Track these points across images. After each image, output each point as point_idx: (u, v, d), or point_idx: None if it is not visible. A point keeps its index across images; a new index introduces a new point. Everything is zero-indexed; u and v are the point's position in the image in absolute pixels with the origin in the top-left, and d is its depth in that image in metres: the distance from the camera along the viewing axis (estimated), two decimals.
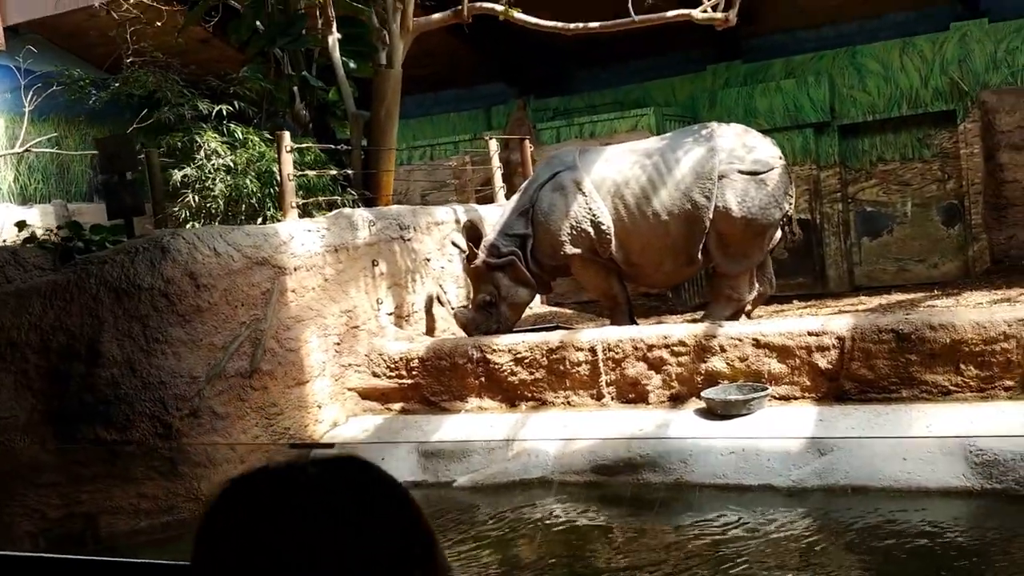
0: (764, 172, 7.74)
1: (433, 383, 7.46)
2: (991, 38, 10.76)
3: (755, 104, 11.94)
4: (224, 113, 9.75)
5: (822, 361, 6.49)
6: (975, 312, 6.18)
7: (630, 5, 8.04)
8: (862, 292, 10.70)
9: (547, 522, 5.80)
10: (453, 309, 8.37)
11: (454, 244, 8.53)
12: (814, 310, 8.93)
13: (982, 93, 10.70)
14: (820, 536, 5.25)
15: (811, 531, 5.34)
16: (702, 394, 6.61)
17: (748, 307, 8.25)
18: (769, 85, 11.91)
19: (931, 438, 5.64)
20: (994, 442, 5.37)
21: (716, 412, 6.52)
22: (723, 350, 6.84)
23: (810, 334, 6.56)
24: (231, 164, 9.18)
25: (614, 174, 8.05)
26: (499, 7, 8.67)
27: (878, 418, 6.03)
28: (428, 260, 8.79)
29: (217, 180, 9.12)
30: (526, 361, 7.27)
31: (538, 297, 9.63)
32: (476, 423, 6.98)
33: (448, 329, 8.51)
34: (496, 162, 10.48)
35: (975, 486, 5.31)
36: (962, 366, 6.01)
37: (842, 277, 11.64)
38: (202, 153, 9.22)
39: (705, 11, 8.21)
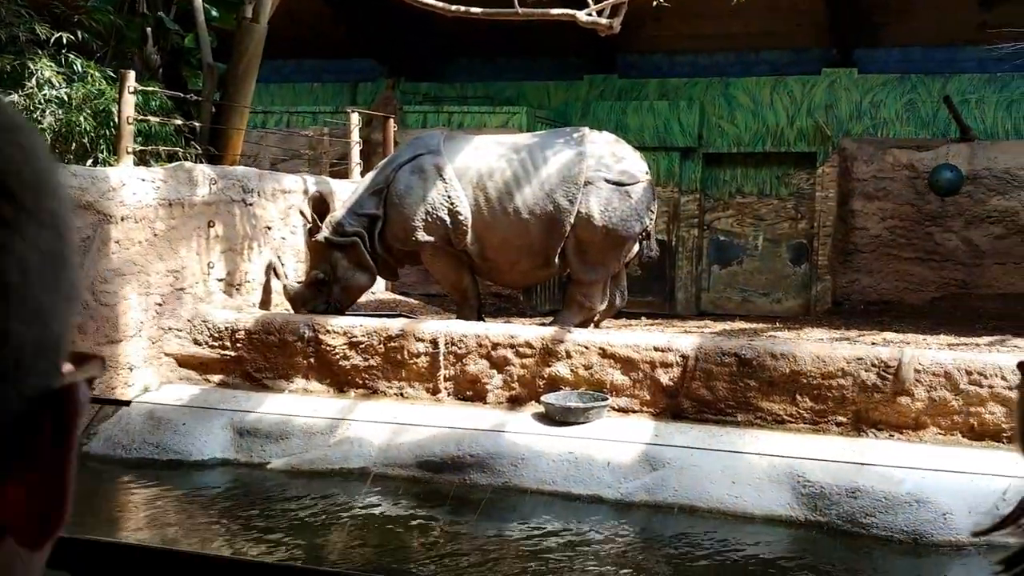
0: (630, 184, 7.74)
1: (258, 358, 7.04)
2: (859, 88, 11.26)
3: (627, 120, 12.06)
4: (64, 42, 8.97)
5: (664, 377, 6.51)
6: (816, 346, 6.34)
7: None
8: (708, 317, 10.94)
9: (361, 514, 5.51)
10: (286, 282, 7.96)
11: (301, 214, 8.12)
12: (662, 328, 9.03)
13: (844, 140, 11.17)
14: (637, 551, 5.21)
15: (630, 545, 5.29)
16: (542, 399, 6.52)
17: (598, 317, 8.24)
18: (643, 104, 12.06)
19: (763, 460, 5.71)
20: (821, 474, 5.48)
21: (554, 418, 6.44)
22: (569, 356, 6.77)
23: (656, 349, 6.57)
24: (65, 97, 8.43)
25: (479, 164, 7.86)
26: None
27: (712, 439, 6.08)
28: (269, 229, 8.34)
29: (47, 113, 8.35)
30: (362, 346, 6.98)
31: (383, 283, 9.32)
32: (300, 405, 6.61)
33: (282, 304, 8.09)
34: (356, 137, 10.11)
35: (800, 516, 5.40)
36: (799, 397, 6.13)
37: (690, 301, 11.90)
38: (33, 81, 8.43)
39: (590, 15, 8.15)
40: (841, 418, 6.05)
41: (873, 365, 5.95)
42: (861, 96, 11.25)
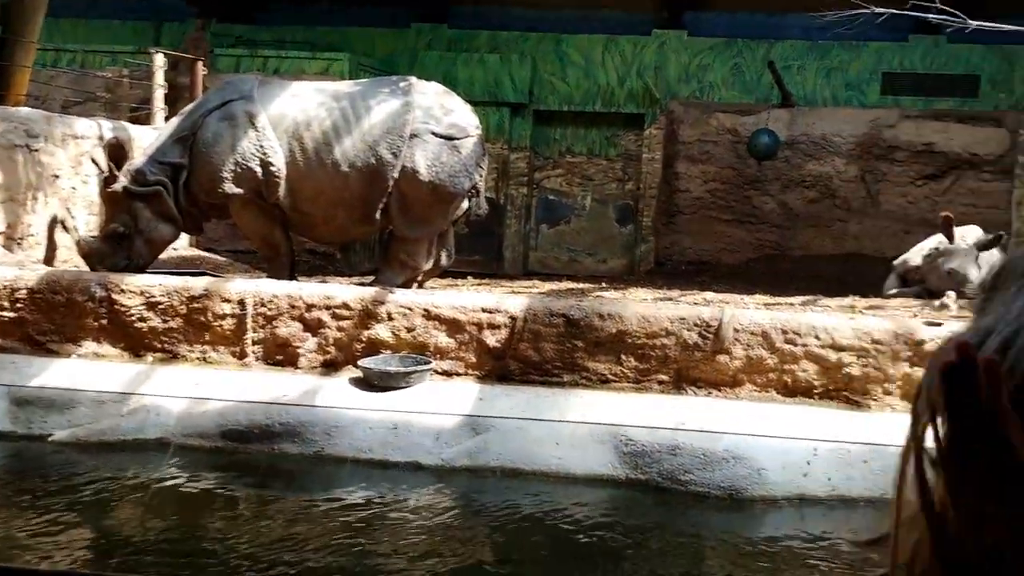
0: (460, 138, 7.54)
1: (42, 320, 6.42)
2: (687, 51, 11.48)
3: (456, 73, 11.83)
4: None
5: (491, 339, 6.40)
6: (642, 306, 6.40)
7: None
8: (535, 277, 10.98)
9: (156, 488, 5.13)
10: (78, 237, 7.32)
11: (93, 162, 7.47)
12: (489, 288, 8.94)
13: (671, 103, 11.38)
14: (455, 517, 5.10)
15: (447, 511, 5.18)
16: (359, 363, 6.27)
17: (422, 277, 8.04)
18: (473, 56, 11.87)
19: (587, 420, 5.71)
20: (643, 434, 5.53)
21: (373, 383, 6.22)
22: (390, 318, 6.54)
23: (484, 310, 6.44)
24: None
25: (296, 112, 7.46)
26: None
27: (538, 400, 6.03)
28: (57, 177, 7.64)
29: None
30: (161, 307, 6.49)
31: (186, 238, 8.76)
32: (89, 371, 6.08)
33: (71, 260, 7.44)
34: (160, 80, 9.42)
35: (622, 475, 5.43)
36: (624, 357, 6.17)
37: (517, 260, 11.90)
38: None
39: None
40: (663, 376, 6.13)
41: (695, 325, 6.05)
42: (689, 59, 11.49)
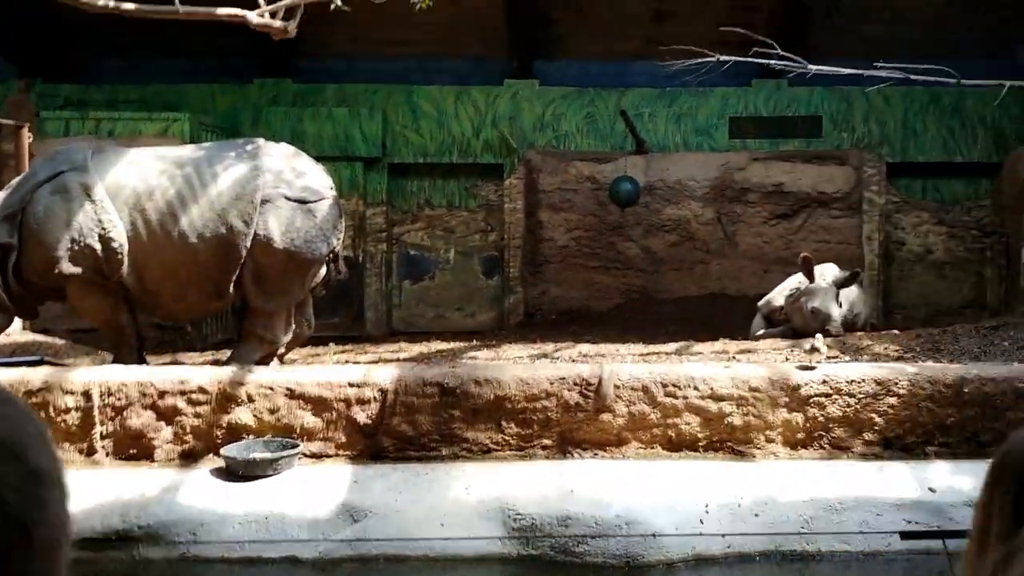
0: (314, 201, 7.27)
1: None
2: (540, 100, 11.59)
3: (304, 128, 11.56)
4: None
5: (361, 415, 6.13)
6: (519, 368, 6.27)
7: None
8: (401, 336, 10.74)
9: None
10: None
11: None
12: (354, 355, 8.64)
13: (528, 152, 11.44)
14: None
15: None
16: (221, 451, 5.89)
17: (282, 350, 7.69)
18: (320, 110, 11.62)
19: (471, 496, 5.51)
20: (532, 506, 5.37)
21: (238, 472, 5.83)
22: (251, 400, 6.19)
23: (351, 385, 6.17)
24: None
25: (136, 181, 7.02)
26: None
27: (417, 478, 5.79)
28: None
29: None
30: None
31: (19, 321, 8.11)
32: None
33: None
34: None
35: (512, 552, 5.25)
36: (504, 423, 6.02)
37: (381, 319, 11.63)
38: None
39: (263, 15, 7.58)
40: (547, 441, 6.01)
41: (575, 384, 5.97)
42: (543, 108, 11.59)
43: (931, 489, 5.22)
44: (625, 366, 6.15)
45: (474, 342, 9.35)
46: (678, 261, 11.24)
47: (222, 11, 7.56)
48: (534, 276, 11.59)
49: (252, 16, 7.45)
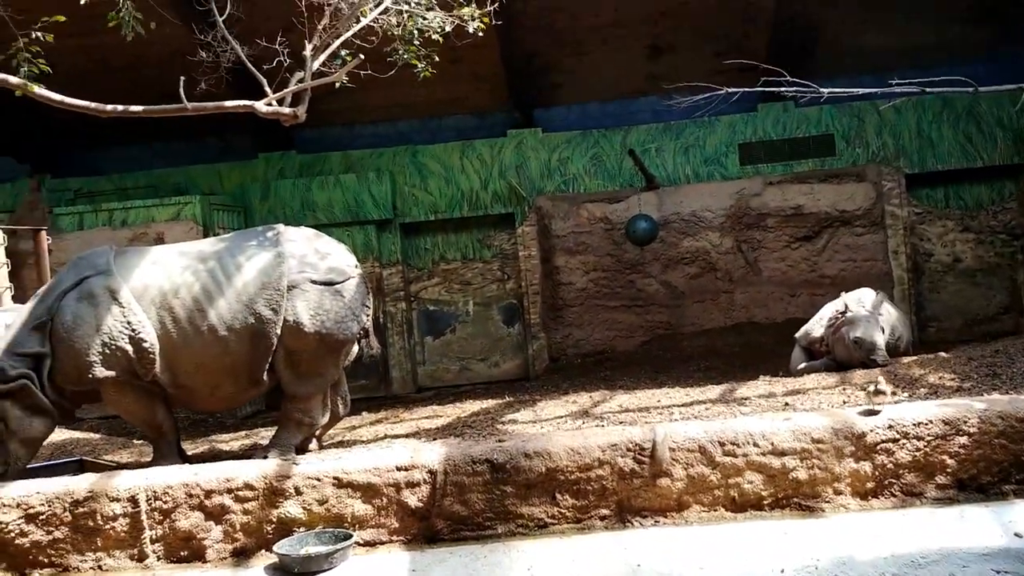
0: (340, 282, 7.09)
1: None
2: (545, 147, 11.45)
3: (313, 197, 11.43)
4: None
5: (412, 499, 5.91)
6: (567, 436, 6.04)
7: (181, 90, 6.95)
8: (428, 394, 10.54)
9: None
10: None
11: None
12: (388, 425, 8.42)
13: (538, 199, 11.28)
14: None
15: None
16: (274, 548, 5.68)
17: (320, 431, 7.49)
18: (327, 179, 11.49)
19: None
20: None
21: (293, 570, 5.60)
22: (299, 492, 5.98)
23: (399, 469, 5.96)
24: None
25: (160, 280, 6.85)
26: (14, 80, 6.91)
27: (476, 562, 5.56)
28: None
29: None
30: (42, 518, 5.77)
31: None
32: None
33: None
34: (1, 256, 8.60)
35: None
36: (558, 496, 5.79)
37: (407, 378, 11.44)
38: None
39: (271, 104, 7.43)
40: (604, 511, 5.77)
41: (628, 450, 5.74)
42: (548, 154, 11.45)
43: (1017, 535, 4.96)
44: (678, 426, 5.92)
45: (507, 398, 9.11)
46: (701, 293, 11.04)
47: (230, 104, 7.41)
48: (555, 321, 11.39)
49: (260, 106, 7.30)
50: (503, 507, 5.83)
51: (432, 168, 11.57)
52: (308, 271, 6.98)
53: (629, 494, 5.73)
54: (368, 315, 7.37)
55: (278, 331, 6.84)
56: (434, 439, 6.83)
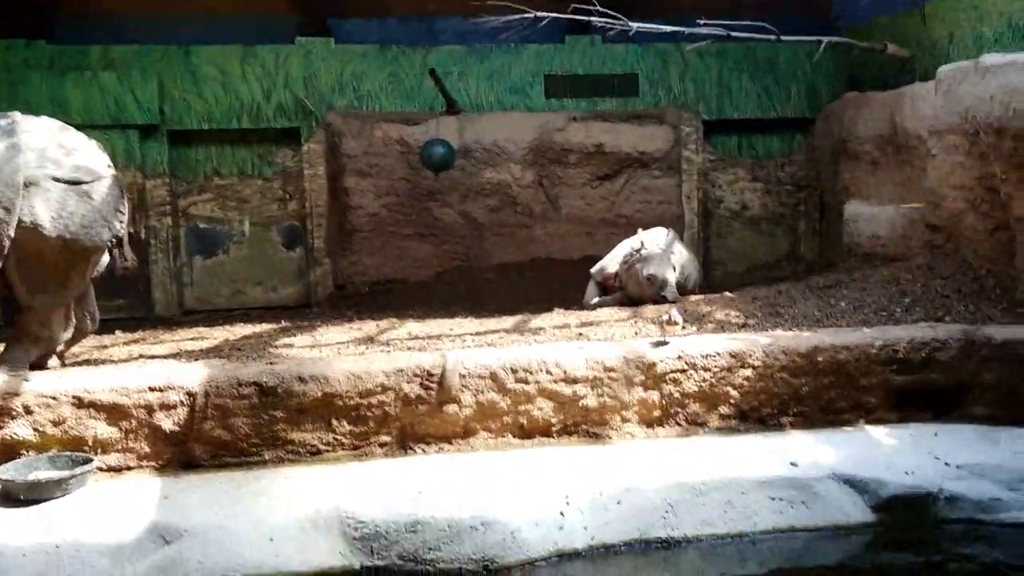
0: (89, 182, 6.40)
1: None
2: (337, 59, 10.93)
3: (67, 95, 10.42)
4: None
5: (167, 422, 5.51)
6: (350, 361, 5.79)
7: None
8: (197, 317, 9.94)
9: None
10: None
11: None
12: (147, 346, 7.82)
13: (328, 114, 10.80)
14: None
15: None
16: None
17: (62, 347, 6.83)
18: (85, 75, 10.48)
19: (305, 505, 5.03)
20: (374, 511, 4.96)
21: (18, 496, 5.10)
22: (29, 412, 5.48)
23: (152, 389, 5.54)
24: None
25: None
26: None
27: (239, 490, 5.25)
28: None
29: None
30: None
31: None
32: None
33: None
34: None
35: (355, 564, 4.83)
36: (335, 422, 5.56)
37: (171, 300, 10.74)
38: None
39: None
40: (385, 438, 5.61)
41: (415, 375, 5.58)
42: (341, 68, 10.95)
43: (793, 464, 5.21)
44: (471, 352, 5.80)
45: (284, 324, 8.70)
46: (500, 227, 10.97)
47: None
48: (342, 247, 11.01)
49: None
50: (272, 433, 5.54)
51: (208, 72, 10.78)
52: (50, 167, 6.26)
53: (413, 421, 5.58)
54: (123, 222, 6.74)
55: (11, 233, 6.11)
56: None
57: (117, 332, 8.67)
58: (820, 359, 5.60)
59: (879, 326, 6.12)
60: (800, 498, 5.01)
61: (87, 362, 6.89)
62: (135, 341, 8.16)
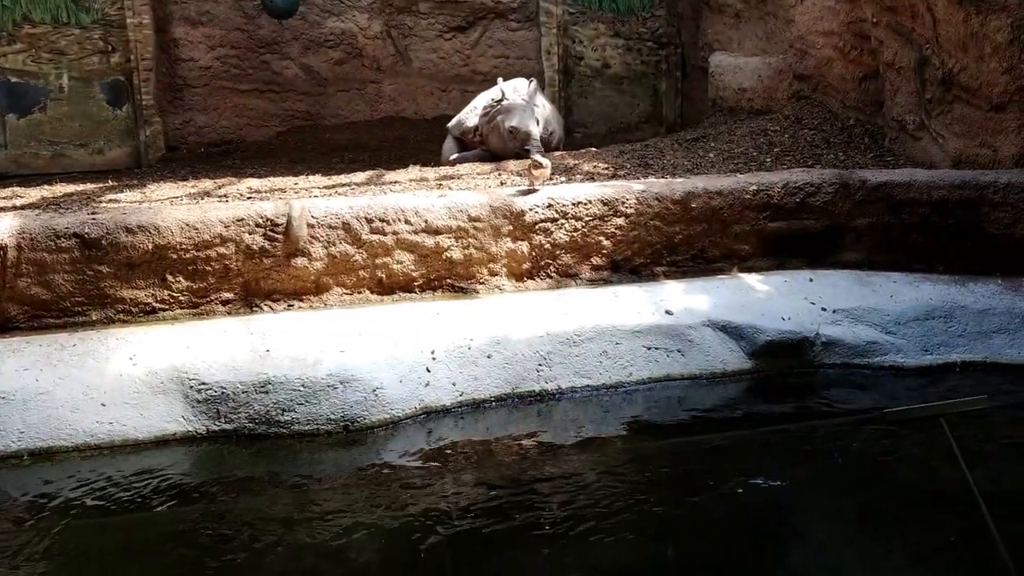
0: None
1: None
2: None
3: None
4: None
5: None
6: (183, 210, 5.19)
7: None
8: (13, 181, 8.94)
9: None
10: None
11: None
12: None
13: None
14: None
15: None
16: None
17: None
18: None
19: (139, 368, 4.54)
20: (220, 372, 4.51)
21: None
22: None
23: None
24: None
25: None
26: None
27: (62, 352, 4.69)
28: None
29: None
30: None
31: None
32: None
33: None
34: None
35: (199, 429, 4.40)
36: (170, 277, 5.00)
37: None
38: None
39: None
40: (228, 294, 5.10)
41: (258, 225, 5.05)
42: None
43: (668, 312, 5.01)
44: (319, 201, 5.29)
45: (110, 182, 7.90)
46: (346, 82, 10.24)
47: None
48: (174, 104, 10.07)
49: None
50: (98, 290, 4.94)
51: None
52: None
53: (258, 275, 5.08)
54: None
55: None
56: None
57: None
58: (694, 205, 5.37)
59: (752, 172, 5.95)
60: (676, 346, 4.84)
61: None
62: None
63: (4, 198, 7.18)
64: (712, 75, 8.60)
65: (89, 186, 7.71)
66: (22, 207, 6.48)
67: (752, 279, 5.34)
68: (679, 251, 5.42)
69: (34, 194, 7.37)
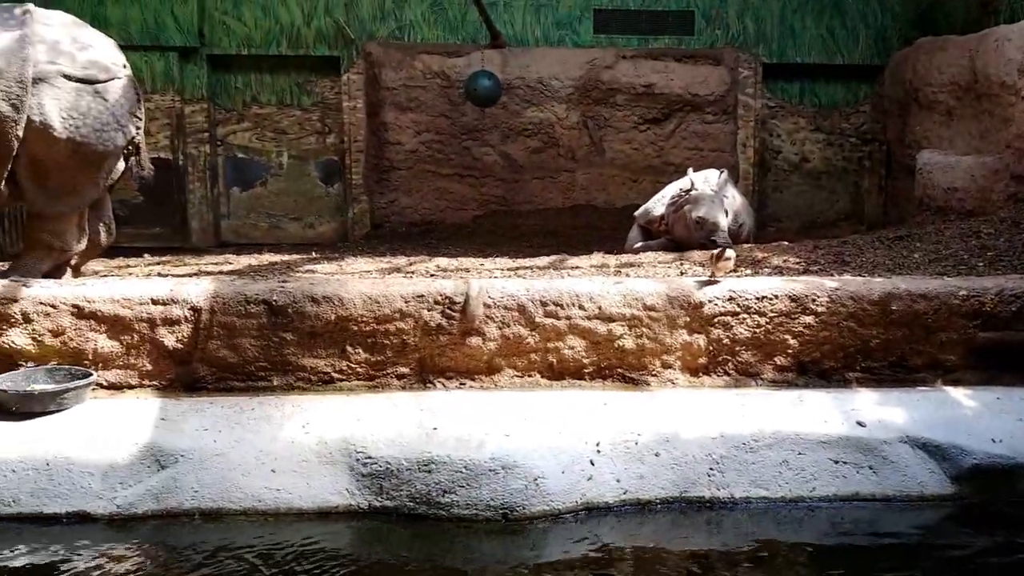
0: (104, 81, 5.86)
1: None
2: None
3: (105, 13, 9.93)
4: None
5: (170, 339, 4.98)
6: (367, 284, 5.19)
7: None
8: (230, 249, 9.42)
9: None
10: None
11: None
12: (170, 267, 7.33)
13: (368, 44, 10.16)
14: None
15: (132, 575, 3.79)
16: None
17: (76, 260, 6.33)
18: None
19: (310, 437, 4.48)
20: (387, 447, 4.38)
21: (11, 408, 4.65)
22: (28, 320, 4.99)
23: (155, 302, 5.00)
24: None
25: None
26: None
27: (242, 415, 4.72)
28: None
29: None
30: None
31: None
32: None
33: None
34: None
35: (362, 504, 4.27)
36: (350, 349, 4.98)
37: (207, 230, 10.26)
38: None
39: None
40: (403, 369, 5.01)
41: (436, 303, 4.97)
42: None
43: (860, 423, 4.51)
44: (496, 281, 5.16)
45: (313, 254, 8.17)
46: (541, 169, 10.30)
47: None
48: (380, 184, 10.40)
49: None
50: (281, 357, 4.97)
51: None
52: (62, 63, 5.71)
53: (433, 352, 4.98)
54: (139, 127, 6.19)
55: (19, 132, 5.57)
56: None
57: (146, 255, 8.21)
58: (894, 308, 4.87)
59: (961, 276, 5.37)
60: (867, 462, 4.32)
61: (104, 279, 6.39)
62: (159, 263, 7.70)
63: (215, 264, 7.53)
64: (920, 173, 8.00)
65: (294, 256, 7.99)
66: (228, 272, 6.73)
67: (958, 393, 4.74)
68: (875, 357, 4.90)
69: (243, 261, 7.70)
